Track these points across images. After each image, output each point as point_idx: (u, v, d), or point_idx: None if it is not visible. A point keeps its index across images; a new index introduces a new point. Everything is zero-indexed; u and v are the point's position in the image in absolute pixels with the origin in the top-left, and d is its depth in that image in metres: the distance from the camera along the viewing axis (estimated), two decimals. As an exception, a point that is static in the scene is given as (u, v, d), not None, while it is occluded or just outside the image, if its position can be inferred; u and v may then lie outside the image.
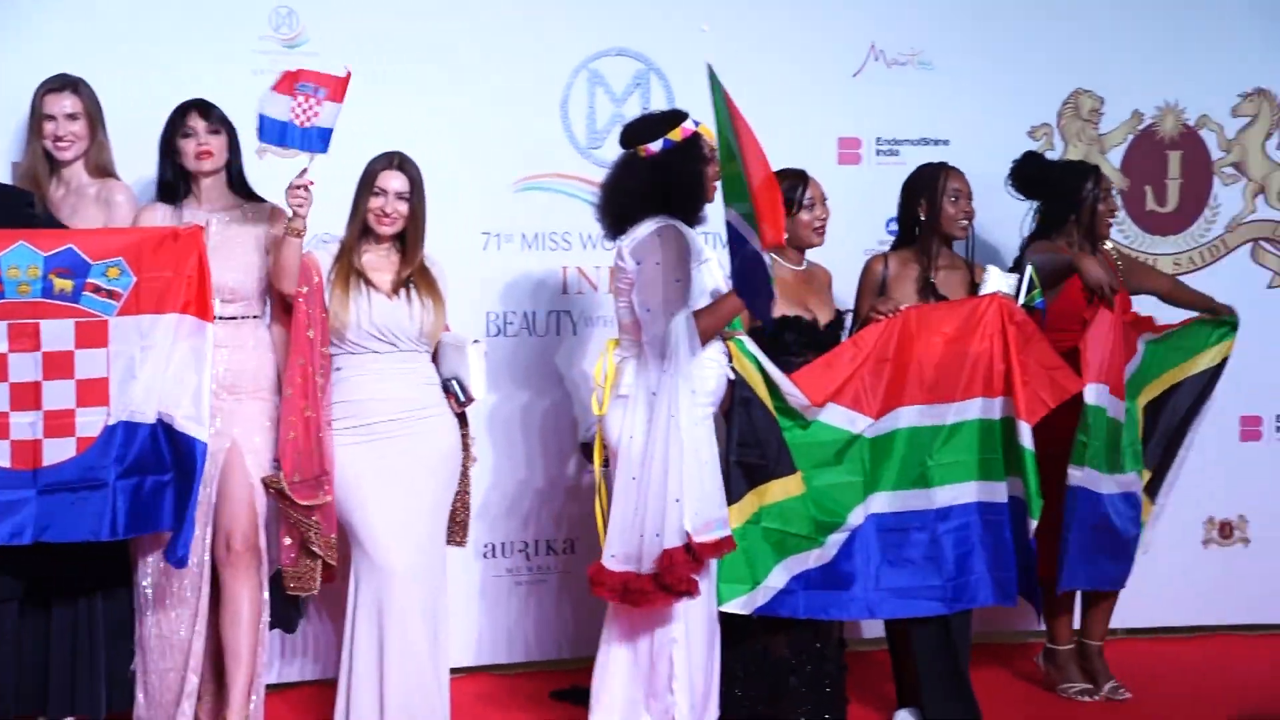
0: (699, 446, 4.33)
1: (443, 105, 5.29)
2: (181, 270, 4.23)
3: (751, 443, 4.47)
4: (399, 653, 4.43)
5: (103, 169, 4.64)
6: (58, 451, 4.22)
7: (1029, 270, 4.76)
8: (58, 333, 4.19)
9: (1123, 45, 5.94)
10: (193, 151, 4.50)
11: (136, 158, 4.74)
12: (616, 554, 4.34)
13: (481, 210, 5.39)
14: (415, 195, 4.52)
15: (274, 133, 4.35)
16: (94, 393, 4.24)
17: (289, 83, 4.31)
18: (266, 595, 4.52)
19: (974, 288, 4.85)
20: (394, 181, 4.50)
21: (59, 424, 4.22)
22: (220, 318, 4.37)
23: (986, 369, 4.63)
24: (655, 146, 4.41)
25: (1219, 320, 5.30)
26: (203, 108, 4.53)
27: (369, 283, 4.48)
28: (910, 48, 5.82)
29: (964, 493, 4.66)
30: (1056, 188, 5.23)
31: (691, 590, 4.27)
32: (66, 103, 4.58)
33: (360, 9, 5.27)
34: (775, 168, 4.70)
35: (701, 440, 4.35)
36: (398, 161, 4.53)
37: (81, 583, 4.46)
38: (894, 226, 5.19)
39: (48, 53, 4.79)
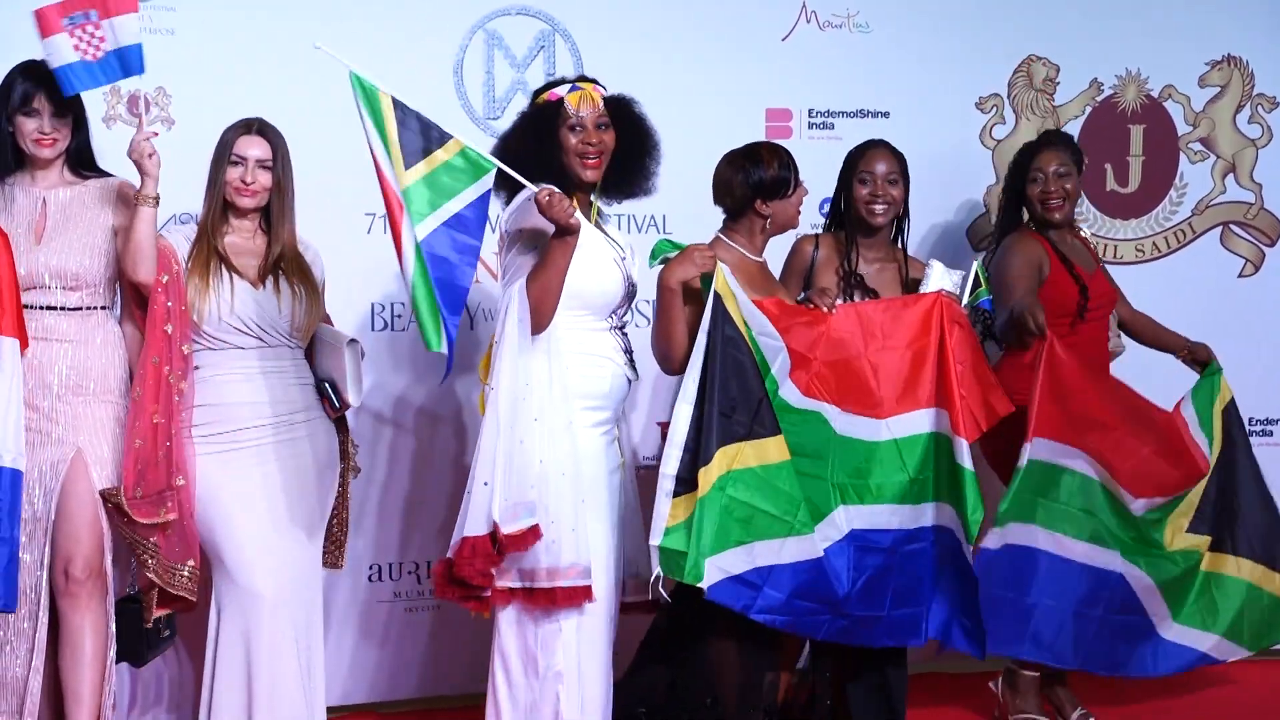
0: (524, 435, 3.87)
1: (318, 68, 4.74)
2: None
3: (735, 391, 4.00)
4: (269, 691, 4.11)
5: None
6: None
7: (974, 266, 4.50)
8: None
9: (1080, 7, 5.61)
10: (32, 135, 4.08)
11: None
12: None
13: (364, 188, 4.71)
14: (279, 164, 4.20)
15: (78, 79, 3.93)
16: None
17: (54, 21, 3.89)
18: (113, 627, 4.12)
19: (911, 286, 4.55)
20: (254, 149, 4.17)
21: None
22: (63, 308, 4.07)
23: (928, 378, 4.30)
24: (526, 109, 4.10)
25: (1206, 371, 4.99)
26: (50, 82, 4.05)
27: (232, 268, 4.15)
28: (846, 9, 5.45)
29: (887, 516, 4.29)
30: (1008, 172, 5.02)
31: (485, 584, 3.85)
32: None
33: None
34: (712, 141, 4.44)
35: (538, 437, 3.88)
36: (257, 127, 4.22)
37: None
38: (828, 208, 4.90)
39: None
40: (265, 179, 4.15)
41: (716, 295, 3.96)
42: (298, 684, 4.13)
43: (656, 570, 3.90)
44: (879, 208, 4.53)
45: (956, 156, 5.34)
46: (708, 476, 3.90)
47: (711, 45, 5.26)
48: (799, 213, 4.37)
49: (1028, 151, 4.92)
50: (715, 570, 3.91)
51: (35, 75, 4.06)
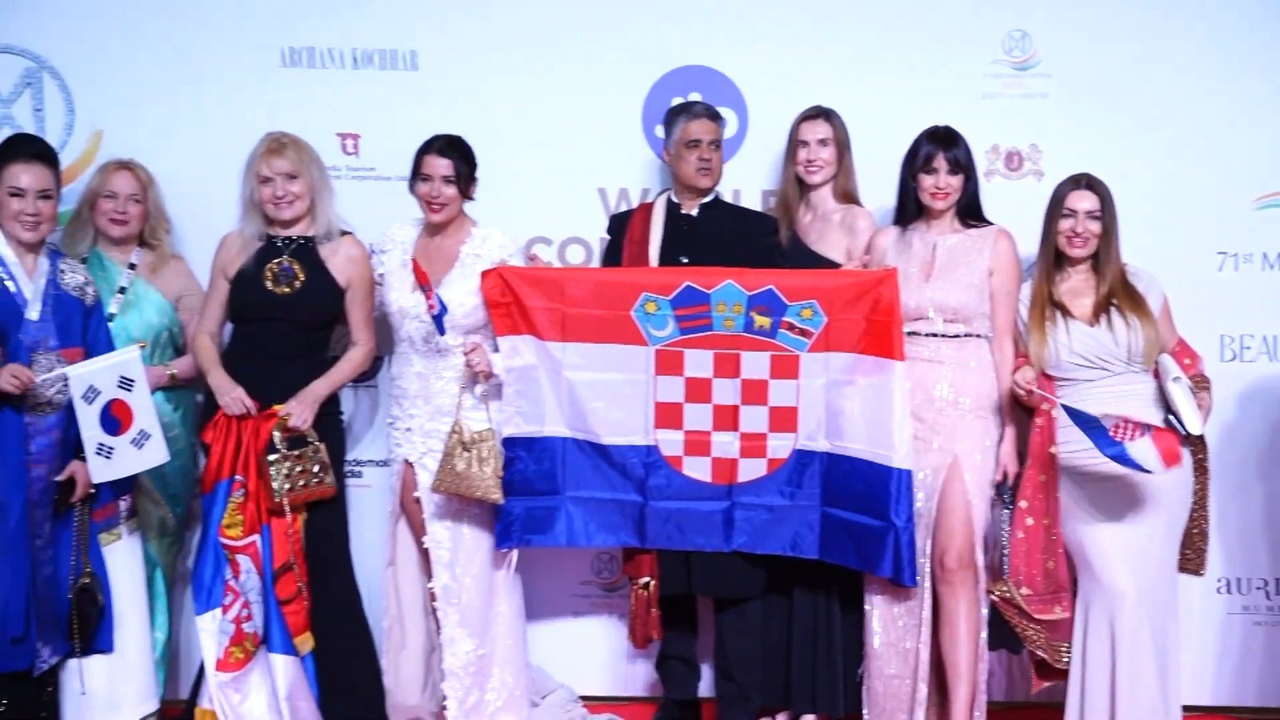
0: None
1: (1167, 121, 5.24)
2: (870, 314, 4.54)
3: None
4: (1128, 682, 4.40)
5: (848, 195, 4.94)
6: (751, 470, 4.70)
7: None
8: (755, 363, 4.67)
9: None
10: (929, 189, 4.64)
11: (878, 182, 4.97)
12: None
13: (1217, 229, 5.23)
14: (1106, 214, 4.52)
15: None
16: (784, 419, 4.69)
17: None
18: (985, 611, 4.59)
19: None
20: (1084, 202, 4.51)
21: (753, 445, 4.71)
22: (944, 336, 4.63)
23: None
24: None
25: None
26: (946, 144, 4.65)
27: (1065, 312, 4.52)
28: None
29: None
30: None
31: None
32: (820, 130, 4.90)
33: (1097, 31, 5.25)
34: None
35: None
36: (1085, 181, 4.55)
37: (818, 578, 4.78)
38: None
39: (799, 86, 5.16)
40: (1094, 228, 4.51)
41: None
42: (1153, 679, 4.38)
43: None
44: None
45: None
46: None
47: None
48: None
49: None
50: None
51: (934, 138, 4.64)
